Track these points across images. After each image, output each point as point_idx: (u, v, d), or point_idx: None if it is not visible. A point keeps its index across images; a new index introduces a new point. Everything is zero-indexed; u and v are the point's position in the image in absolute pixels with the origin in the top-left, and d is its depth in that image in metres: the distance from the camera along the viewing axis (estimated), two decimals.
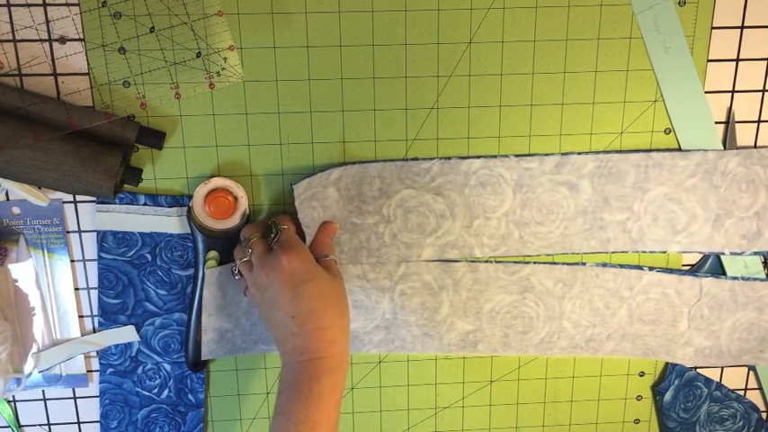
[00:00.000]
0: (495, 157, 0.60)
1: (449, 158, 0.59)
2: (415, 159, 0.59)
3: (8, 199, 0.59)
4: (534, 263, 0.63)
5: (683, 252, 0.63)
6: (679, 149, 0.61)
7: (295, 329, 0.52)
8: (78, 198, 0.60)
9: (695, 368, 0.69)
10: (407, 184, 0.59)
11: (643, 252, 0.63)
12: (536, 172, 0.60)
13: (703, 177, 0.61)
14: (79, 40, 0.56)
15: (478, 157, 0.60)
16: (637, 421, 0.71)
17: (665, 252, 0.63)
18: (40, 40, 0.55)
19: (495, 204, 0.60)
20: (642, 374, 0.69)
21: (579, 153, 0.60)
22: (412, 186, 0.59)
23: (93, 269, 0.62)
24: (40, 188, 0.58)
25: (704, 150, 0.60)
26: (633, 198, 0.61)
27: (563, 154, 0.60)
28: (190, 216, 0.59)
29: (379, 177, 0.59)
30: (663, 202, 0.61)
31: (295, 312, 0.52)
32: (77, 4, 0.55)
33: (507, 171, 0.60)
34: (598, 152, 0.60)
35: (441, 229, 0.61)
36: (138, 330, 0.63)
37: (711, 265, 0.65)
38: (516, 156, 0.59)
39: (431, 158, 0.59)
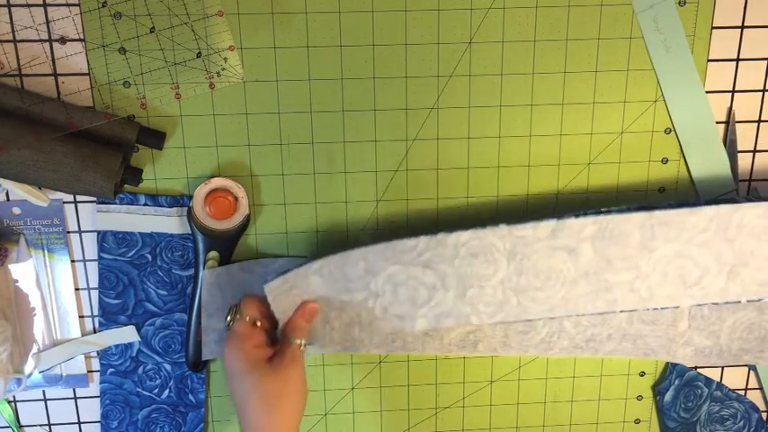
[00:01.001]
0: (485, 227, 0.55)
1: (435, 234, 0.55)
2: (399, 239, 0.56)
3: (8, 199, 0.59)
4: None
5: (696, 305, 0.58)
6: (688, 204, 0.55)
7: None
8: (79, 198, 0.60)
9: (695, 368, 0.69)
10: (393, 261, 0.56)
11: (654, 309, 0.58)
12: (530, 239, 0.55)
13: (717, 232, 0.55)
14: (79, 40, 0.56)
15: (467, 228, 0.55)
16: (637, 421, 0.71)
17: (677, 307, 0.58)
18: (41, 41, 0.55)
19: (488, 273, 0.56)
20: (642, 374, 0.69)
21: (576, 216, 0.55)
22: (399, 263, 0.56)
23: (93, 269, 0.62)
24: (40, 188, 0.58)
25: (716, 204, 0.55)
26: (639, 258, 0.56)
27: (558, 219, 0.55)
28: (190, 216, 0.59)
29: (364, 260, 0.56)
30: (672, 259, 0.56)
31: (234, 402, 0.54)
32: (78, 5, 0.55)
33: (500, 240, 0.55)
34: (598, 213, 0.55)
35: (433, 299, 0.57)
36: (138, 330, 0.63)
37: None
38: (508, 224, 0.55)
39: (416, 236, 0.55)
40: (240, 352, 0.53)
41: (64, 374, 0.64)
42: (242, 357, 0.53)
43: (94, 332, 0.63)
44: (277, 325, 0.57)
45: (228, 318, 0.56)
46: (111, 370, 0.64)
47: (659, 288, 0.56)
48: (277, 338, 0.57)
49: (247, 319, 0.56)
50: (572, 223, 0.55)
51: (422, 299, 0.56)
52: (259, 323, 0.56)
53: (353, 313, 0.57)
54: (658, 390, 0.69)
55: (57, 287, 0.62)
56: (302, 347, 0.55)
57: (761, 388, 0.70)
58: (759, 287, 0.57)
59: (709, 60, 0.60)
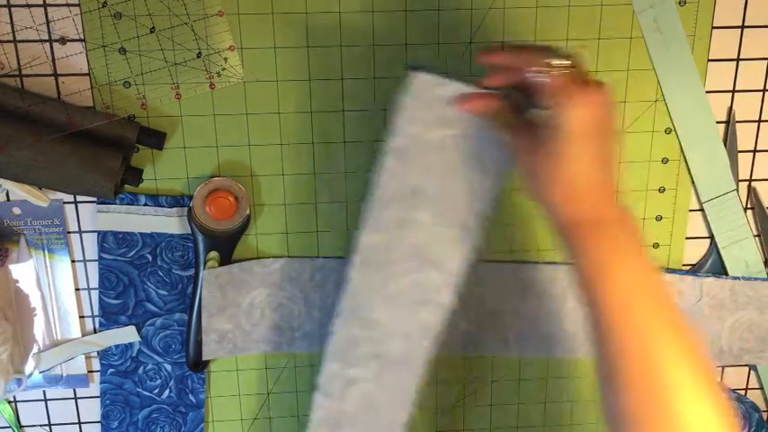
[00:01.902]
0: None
1: None
2: None
3: (9, 199, 0.59)
4: (536, 263, 0.63)
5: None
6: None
7: None
8: (79, 198, 0.60)
9: None
10: None
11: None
12: None
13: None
14: (80, 40, 0.56)
15: None
16: None
17: (430, 330, 0.54)
18: (41, 41, 0.55)
19: None
20: None
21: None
22: None
23: (93, 269, 0.62)
24: (40, 188, 0.58)
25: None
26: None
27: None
28: (190, 216, 0.59)
29: None
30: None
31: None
32: (78, 5, 0.55)
33: None
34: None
35: None
36: (138, 331, 0.63)
37: (712, 265, 0.65)
38: None
39: None
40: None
41: (64, 374, 0.64)
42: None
43: (95, 332, 0.63)
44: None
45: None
46: (111, 370, 0.64)
47: (401, 342, 0.54)
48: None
49: None
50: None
51: None
52: None
53: None
54: None
55: (57, 287, 0.62)
56: None
57: (761, 388, 0.70)
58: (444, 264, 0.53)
59: (709, 60, 0.60)
